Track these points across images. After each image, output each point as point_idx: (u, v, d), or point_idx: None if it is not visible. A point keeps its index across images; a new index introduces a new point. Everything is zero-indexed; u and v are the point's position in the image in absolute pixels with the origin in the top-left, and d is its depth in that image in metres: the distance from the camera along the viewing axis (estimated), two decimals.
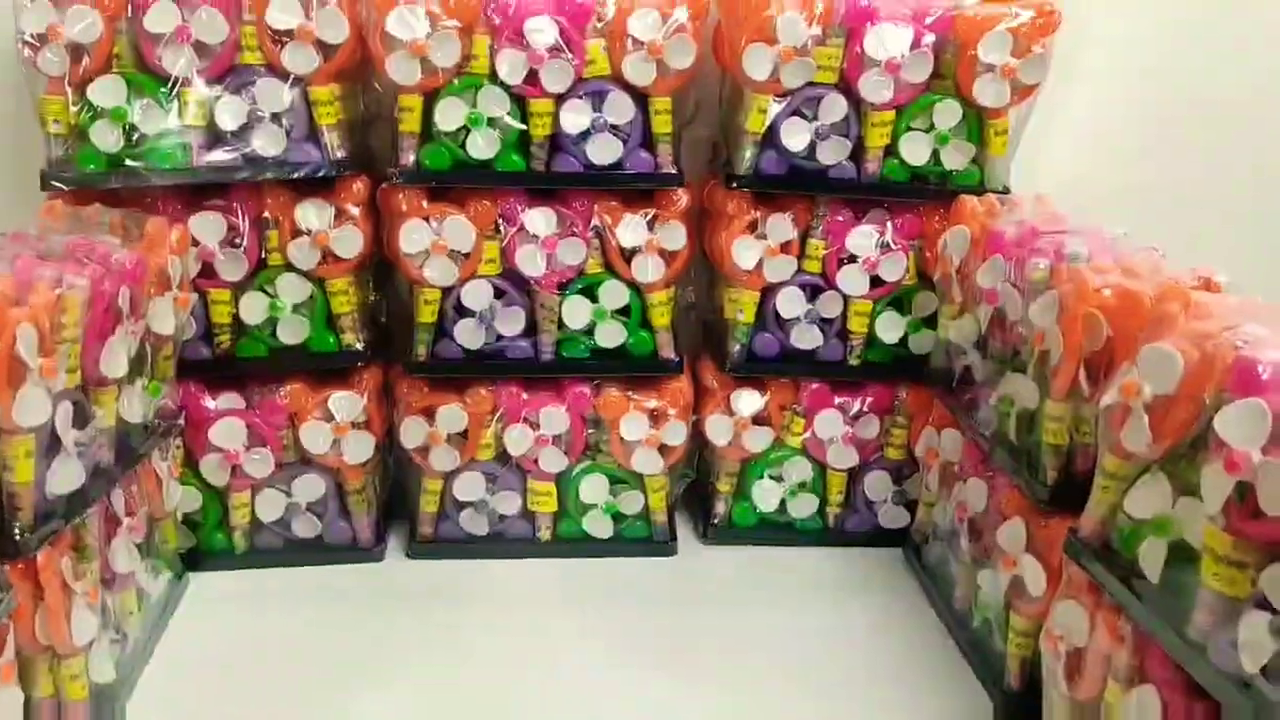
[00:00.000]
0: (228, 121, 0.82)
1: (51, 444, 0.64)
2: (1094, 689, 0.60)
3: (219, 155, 0.83)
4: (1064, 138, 0.99)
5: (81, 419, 0.67)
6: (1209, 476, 0.51)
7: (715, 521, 0.98)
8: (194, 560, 0.92)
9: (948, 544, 0.87)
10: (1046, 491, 0.69)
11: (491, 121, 0.84)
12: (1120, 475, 0.59)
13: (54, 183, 0.81)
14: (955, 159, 0.87)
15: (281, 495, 0.92)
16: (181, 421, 0.86)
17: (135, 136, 0.81)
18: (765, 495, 0.97)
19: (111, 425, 0.71)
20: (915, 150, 0.86)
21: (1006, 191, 0.88)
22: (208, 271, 0.86)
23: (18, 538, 0.61)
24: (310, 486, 0.92)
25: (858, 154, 0.87)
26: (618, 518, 0.95)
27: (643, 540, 0.96)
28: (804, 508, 0.97)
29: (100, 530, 0.71)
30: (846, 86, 0.85)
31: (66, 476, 0.65)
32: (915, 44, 0.83)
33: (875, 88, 0.84)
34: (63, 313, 0.62)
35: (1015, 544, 0.73)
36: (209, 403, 0.89)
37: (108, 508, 0.73)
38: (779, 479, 0.97)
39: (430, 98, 0.84)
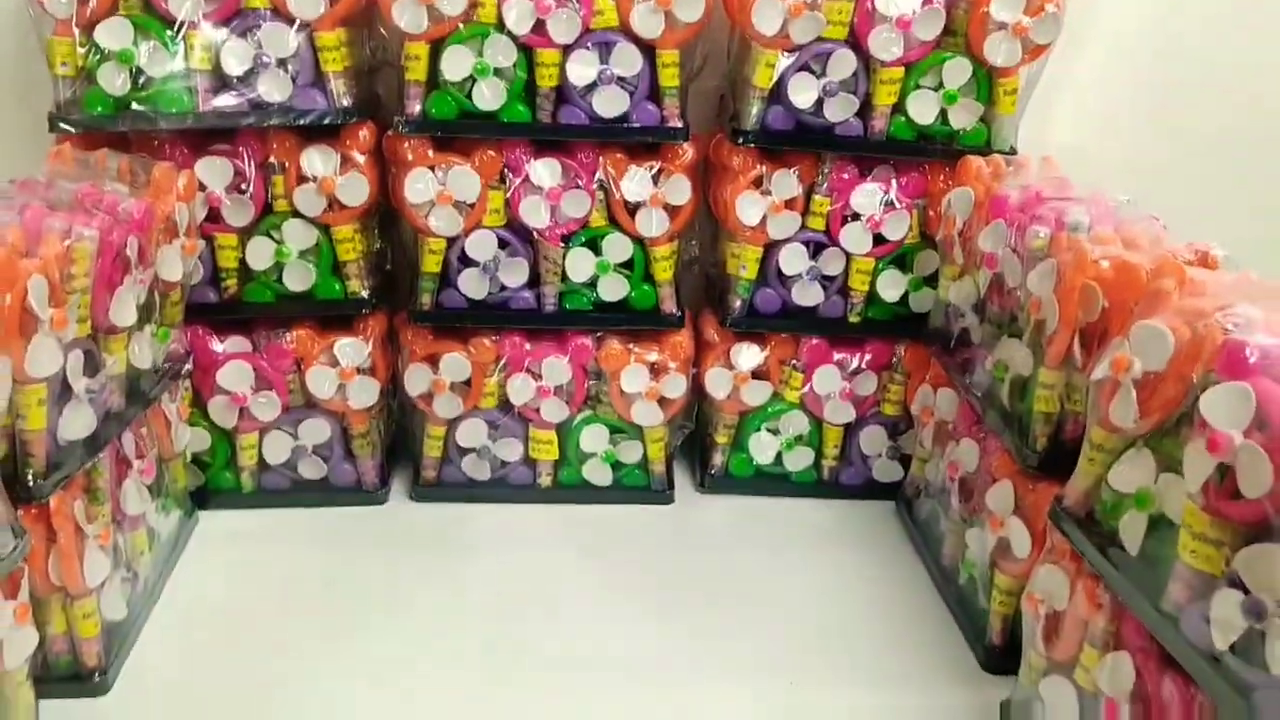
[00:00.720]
0: (234, 66, 0.81)
1: (63, 391, 0.65)
2: (1070, 651, 0.62)
3: (225, 100, 0.83)
4: (1069, 109, 0.98)
5: (92, 367, 0.68)
6: (1191, 455, 0.52)
7: (712, 472, 1.00)
8: (202, 498, 0.94)
9: (938, 501, 0.88)
10: (1036, 458, 0.71)
11: (498, 71, 0.83)
12: (1107, 448, 0.60)
13: (61, 125, 0.82)
14: (963, 118, 0.86)
15: (288, 437, 0.94)
16: (190, 365, 0.87)
17: (142, 79, 0.81)
18: (762, 448, 0.98)
19: (121, 371, 0.72)
20: (923, 109, 0.86)
21: (1013, 152, 0.88)
22: (214, 216, 0.86)
23: (31, 483, 0.62)
24: (316, 430, 0.94)
25: (865, 111, 0.87)
26: (616, 466, 0.97)
27: (641, 489, 0.98)
28: (800, 460, 0.99)
29: (111, 473, 0.73)
30: (856, 42, 0.84)
31: (78, 423, 0.67)
32: (928, 0, 0.82)
33: (885, 44, 0.83)
34: (72, 263, 0.63)
35: (1003, 506, 0.74)
36: (216, 345, 0.90)
37: (118, 450, 0.75)
38: (776, 432, 0.98)
39: (436, 45, 0.83)
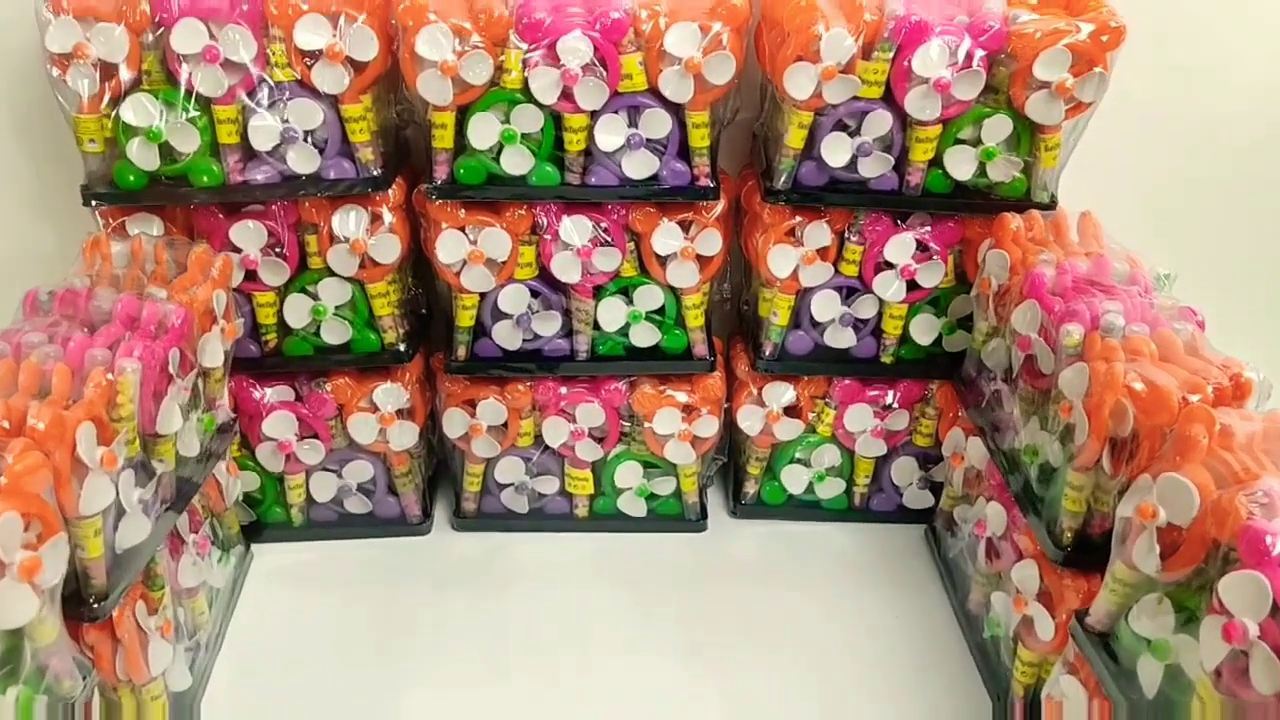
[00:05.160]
0: (261, 142, 0.81)
1: (116, 506, 0.68)
2: None
3: (255, 173, 0.82)
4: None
5: (144, 477, 0.71)
6: (1207, 632, 0.53)
7: (745, 501, 1.02)
8: (255, 530, 0.98)
9: (966, 549, 0.90)
10: (1061, 554, 0.72)
11: (525, 136, 0.82)
12: (1128, 583, 0.61)
13: (94, 199, 0.83)
14: (1002, 171, 0.84)
15: (333, 477, 0.97)
16: (236, 423, 0.89)
17: (171, 154, 0.81)
18: (794, 478, 1.00)
19: (171, 469, 0.75)
20: (961, 164, 0.83)
21: (1053, 203, 0.86)
22: (251, 275, 0.87)
23: (94, 605, 0.66)
24: (359, 470, 0.97)
25: (900, 164, 0.85)
26: (651, 498, 0.99)
27: (674, 517, 1.01)
28: (831, 489, 1.01)
29: (167, 555, 0.77)
30: (891, 95, 0.82)
31: (134, 532, 0.70)
32: (967, 61, 0.79)
33: (922, 105, 0.80)
34: (117, 394, 0.65)
35: (1028, 586, 0.76)
36: (260, 395, 0.93)
37: (173, 530, 0.78)
38: (808, 464, 1.00)
39: (463, 111, 0.82)
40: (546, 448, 0.96)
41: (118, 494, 0.66)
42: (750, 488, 1.02)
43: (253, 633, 0.89)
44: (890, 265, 0.89)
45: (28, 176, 0.96)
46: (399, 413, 0.94)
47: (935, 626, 0.91)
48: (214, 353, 0.78)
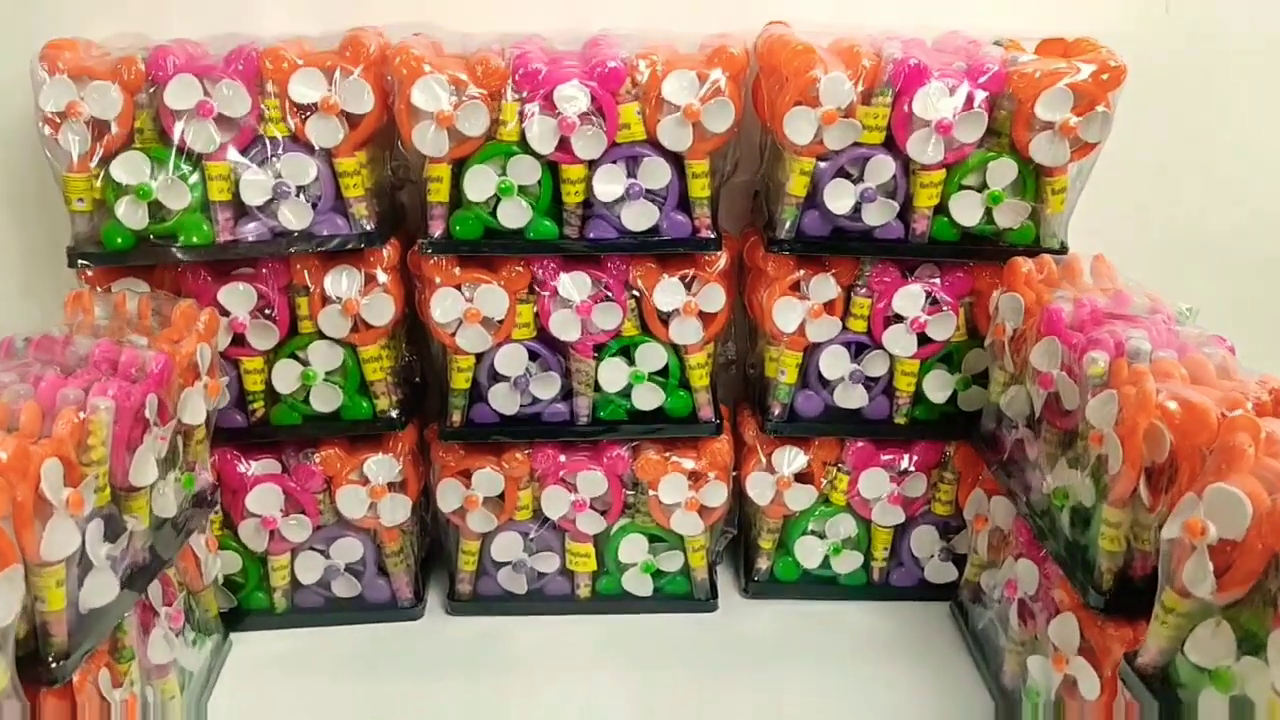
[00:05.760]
0: (253, 197, 0.79)
1: (82, 560, 0.63)
2: None
3: (246, 229, 0.81)
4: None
5: (113, 531, 0.66)
6: (1276, 648, 0.48)
7: (757, 578, 0.97)
8: (235, 617, 0.92)
9: (996, 614, 0.84)
10: (1102, 599, 0.66)
11: (523, 189, 0.81)
12: (1181, 612, 0.56)
13: (80, 260, 0.80)
14: (1009, 217, 0.82)
15: (320, 557, 0.92)
16: (218, 495, 0.85)
17: (160, 212, 0.80)
18: (808, 551, 0.95)
19: (145, 528, 0.70)
20: (967, 210, 0.82)
21: (1063, 249, 0.84)
22: (239, 340, 0.84)
23: (53, 665, 0.60)
24: (348, 549, 0.91)
25: (905, 212, 0.83)
26: (657, 575, 0.94)
27: (683, 597, 0.95)
28: (848, 563, 0.95)
29: (137, 625, 0.72)
30: (893, 142, 0.81)
31: (100, 590, 0.65)
32: (968, 103, 0.78)
33: (925, 148, 0.79)
34: (88, 435, 0.62)
35: (1067, 643, 0.70)
36: (244, 468, 0.88)
37: (144, 600, 0.73)
38: (822, 535, 0.94)
39: (459, 165, 0.81)
40: (546, 521, 0.91)
41: (84, 543, 0.61)
42: (763, 563, 0.96)
43: None
44: (900, 318, 0.86)
45: (10, 248, 0.95)
46: (390, 485, 0.89)
47: (968, 707, 0.84)
48: (195, 409, 0.75)
